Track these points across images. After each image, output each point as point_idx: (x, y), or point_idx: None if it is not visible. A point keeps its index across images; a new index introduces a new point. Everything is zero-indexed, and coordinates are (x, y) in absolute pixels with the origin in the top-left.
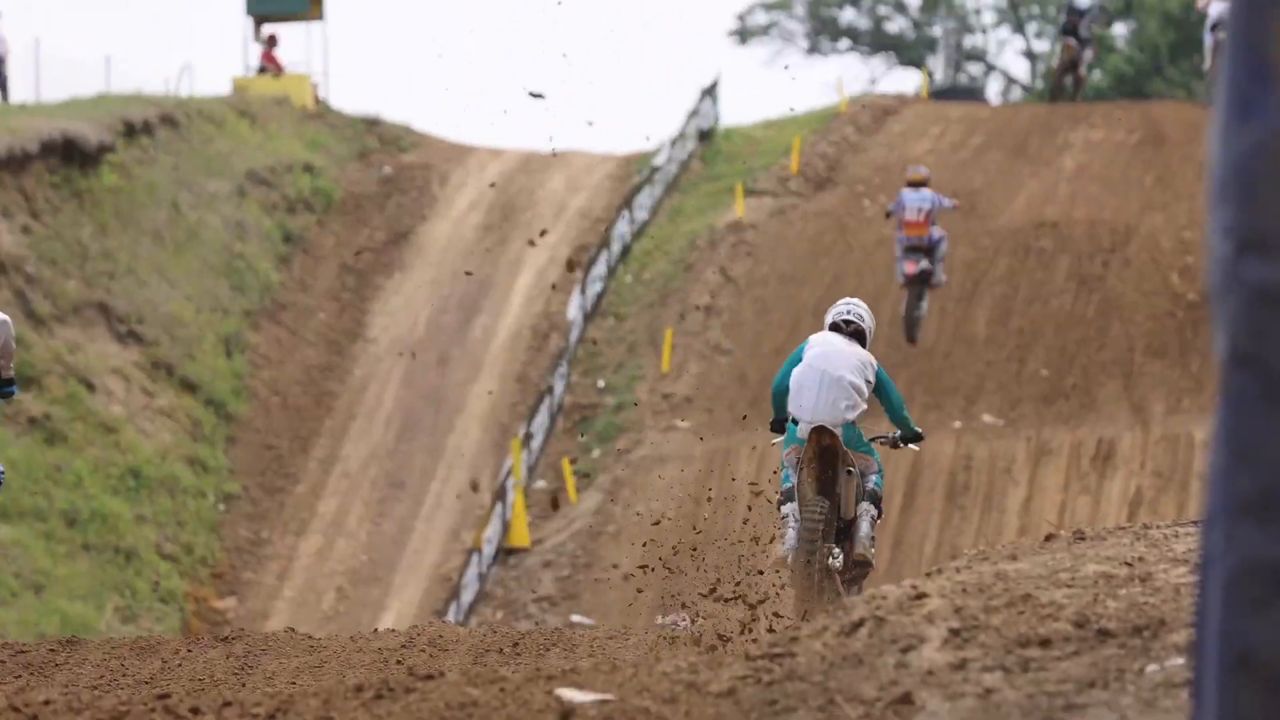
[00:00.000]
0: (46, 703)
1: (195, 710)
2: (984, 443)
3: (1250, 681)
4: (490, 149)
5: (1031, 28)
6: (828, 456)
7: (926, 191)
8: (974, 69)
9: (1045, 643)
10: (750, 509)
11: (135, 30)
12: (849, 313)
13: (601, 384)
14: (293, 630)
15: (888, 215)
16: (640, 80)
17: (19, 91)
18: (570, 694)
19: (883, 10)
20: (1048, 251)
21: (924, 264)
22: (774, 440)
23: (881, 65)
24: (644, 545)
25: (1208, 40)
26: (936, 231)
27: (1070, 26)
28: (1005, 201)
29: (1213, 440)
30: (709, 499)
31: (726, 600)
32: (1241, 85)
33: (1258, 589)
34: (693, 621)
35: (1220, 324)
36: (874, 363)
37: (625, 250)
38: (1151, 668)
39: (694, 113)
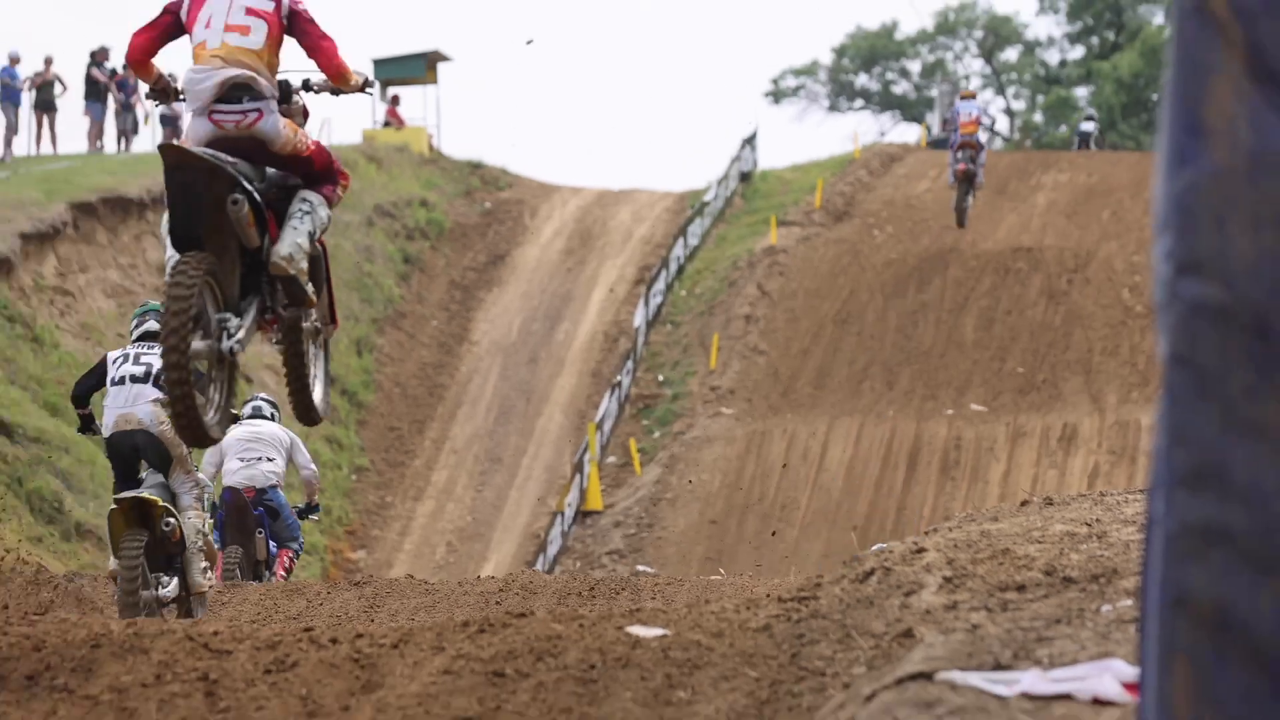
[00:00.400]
0: (215, 634)
1: (334, 640)
2: (971, 426)
3: (1185, 618)
4: (571, 187)
5: (1010, 90)
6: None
7: (975, 103)
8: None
9: (1020, 588)
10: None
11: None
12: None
13: (660, 378)
14: (411, 577)
15: (945, 122)
16: (694, 132)
17: None
18: (637, 629)
19: (890, 76)
20: (1023, 271)
21: (970, 166)
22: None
23: (889, 120)
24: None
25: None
26: (983, 136)
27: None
28: (989, 231)
29: (1156, 425)
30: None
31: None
32: (1179, 137)
33: (1191, 545)
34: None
35: (1162, 331)
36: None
37: (680, 269)
38: (1106, 608)
39: (736, 158)
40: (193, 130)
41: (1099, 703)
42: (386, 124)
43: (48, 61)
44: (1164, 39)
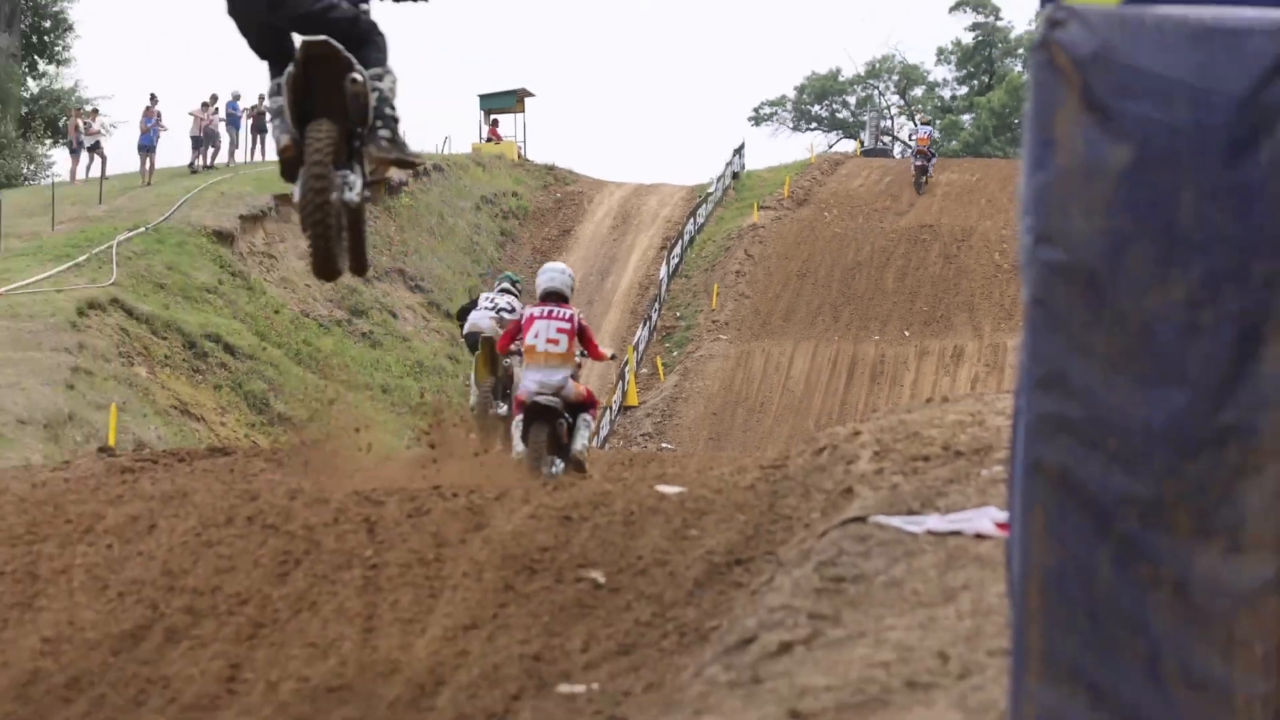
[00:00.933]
0: (374, 490)
1: (454, 494)
2: (892, 348)
3: (1040, 480)
4: (615, 182)
5: (917, 116)
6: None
7: (929, 126)
8: (885, 139)
9: (926, 459)
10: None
11: (421, 115)
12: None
13: (678, 315)
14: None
15: (910, 136)
16: (701, 143)
17: None
18: (663, 487)
19: (835, 106)
20: (927, 241)
21: (924, 164)
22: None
23: (835, 136)
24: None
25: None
26: (933, 150)
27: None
28: (903, 213)
29: (1020, 347)
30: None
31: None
32: (1036, 149)
33: (1044, 429)
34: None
35: (1025, 282)
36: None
37: (691, 240)
38: (984, 472)
39: (730, 162)
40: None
41: (980, 536)
42: (489, 139)
43: (261, 97)
44: (1024, 81)
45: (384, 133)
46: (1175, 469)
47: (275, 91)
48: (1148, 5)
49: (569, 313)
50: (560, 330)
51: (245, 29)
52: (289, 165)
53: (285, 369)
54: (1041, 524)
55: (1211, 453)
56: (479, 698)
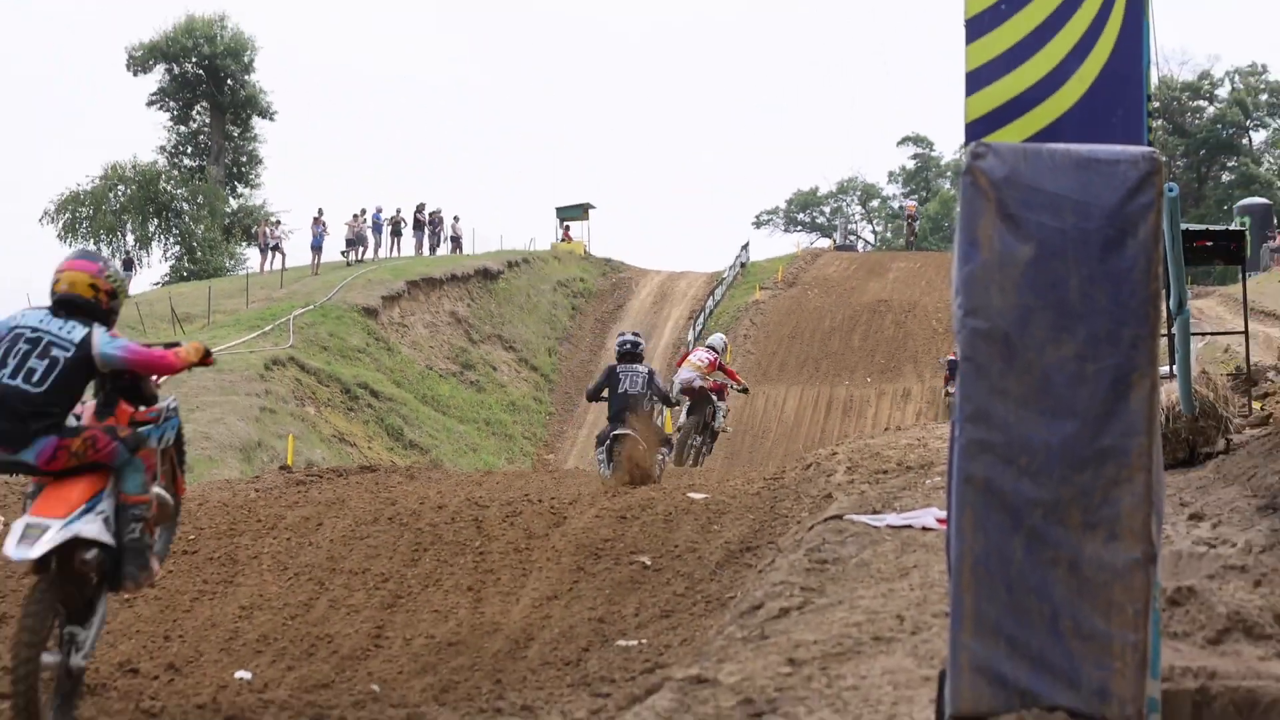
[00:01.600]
0: (479, 497)
1: (540, 500)
2: (858, 390)
3: (970, 488)
4: (655, 270)
5: (875, 221)
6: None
7: (918, 209)
8: (852, 238)
9: (885, 472)
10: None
11: (514, 223)
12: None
13: None
14: (578, 468)
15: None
16: (718, 241)
17: (469, 247)
18: (692, 494)
19: (815, 214)
20: (883, 312)
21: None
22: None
23: (815, 236)
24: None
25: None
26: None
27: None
28: (864, 291)
29: (956, 390)
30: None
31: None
32: (964, 246)
33: (972, 450)
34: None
35: (957, 342)
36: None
37: (710, 312)
38: (928, 482)
39: (738, 255)
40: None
41: (926, 529)
42: (563, 240)
43: (397, 210)
44: (953, 196)
45: None
46: (1068, 479)
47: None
48: (1043, 143)
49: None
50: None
51: None
52: None
53: (415, 408)
54: (971, 520)
55: (1095, 467)
56: (559, 650)
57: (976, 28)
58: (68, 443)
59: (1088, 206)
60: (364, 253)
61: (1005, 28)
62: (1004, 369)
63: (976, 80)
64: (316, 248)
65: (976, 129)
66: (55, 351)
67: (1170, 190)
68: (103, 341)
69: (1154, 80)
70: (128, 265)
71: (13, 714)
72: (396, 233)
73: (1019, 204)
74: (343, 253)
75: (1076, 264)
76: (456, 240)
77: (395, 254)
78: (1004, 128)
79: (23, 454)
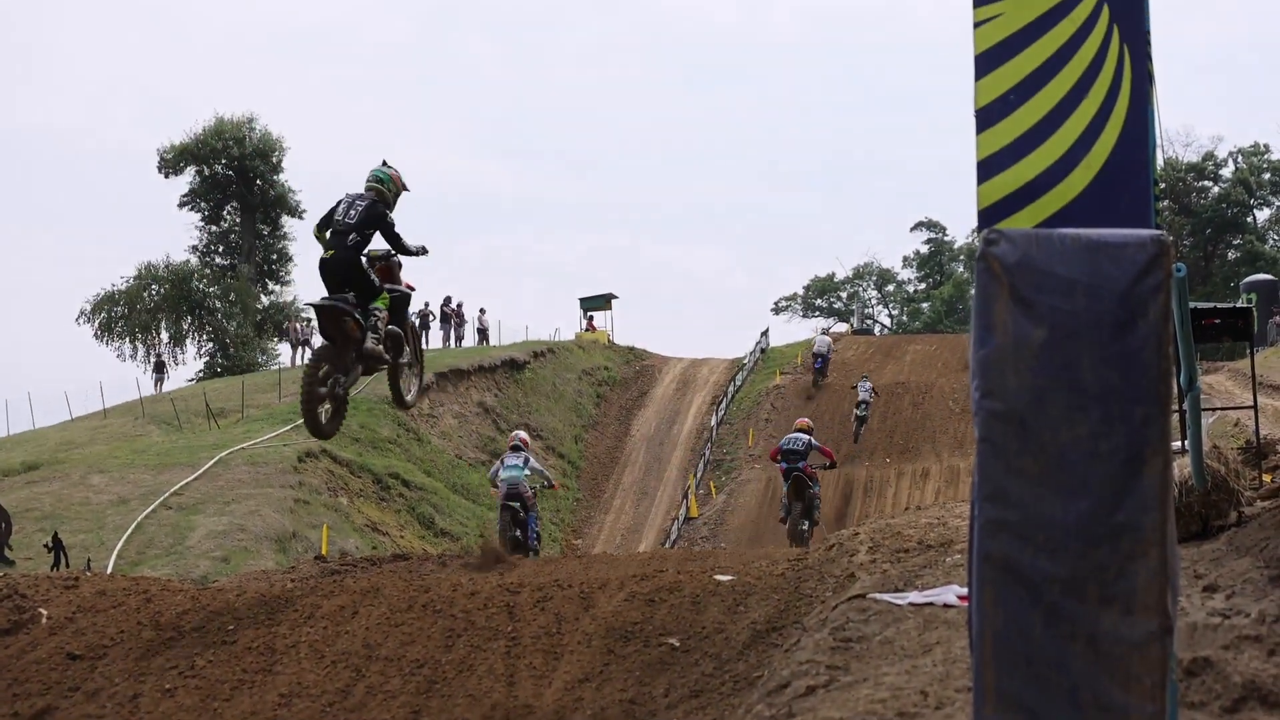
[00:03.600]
0: (513, 582)
1: (570, 585)
2: (879, 470)
3: (989, 565)
4: (677, 357)
5: (891, 305)
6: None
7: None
8: (869, 322)
9: (906, 550)
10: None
11: (538, 314)
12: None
13: (724, 450)
14: (606, 553)
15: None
16: (739, 328)
17: (495, 338)
18: (719, 576)
19: (832, 299)
20: (900, 393)
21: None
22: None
23: (832, 321)
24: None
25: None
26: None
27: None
28: (884, 373)
29: (974, 470)
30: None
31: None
32: (980, 330)
33: (991, 529)
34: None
35: (976, 424)
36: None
37: (732, 396)
38: (949, 559)
39: (758, 341)
40: None
41: (947, 606)
42: (587, 330)
43: (425, 304)
44: (965, 279)
45: None
46: (1085, 555)
47: None
48: (1054, 229)
49: None
50: None
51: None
52: None
53: (445, 496)
54: (991, 597)
55: (1110, 543)
56: None
57: (986, 118)
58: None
59: (1098, 289)
60: None
61: (1014, 118)
62: (1020, 449)
63: (987, 169)
64: None
65: (989, 216)
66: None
67: (1178, 271)
68: None
69: (1160, 162)
70: (159, 368)
71: None
72: (424, 326)
73: (1032, 288)
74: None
75: (1089, 345)
76: (483, 332)
77: (423, 346)
78: (1015, 214)
79: None
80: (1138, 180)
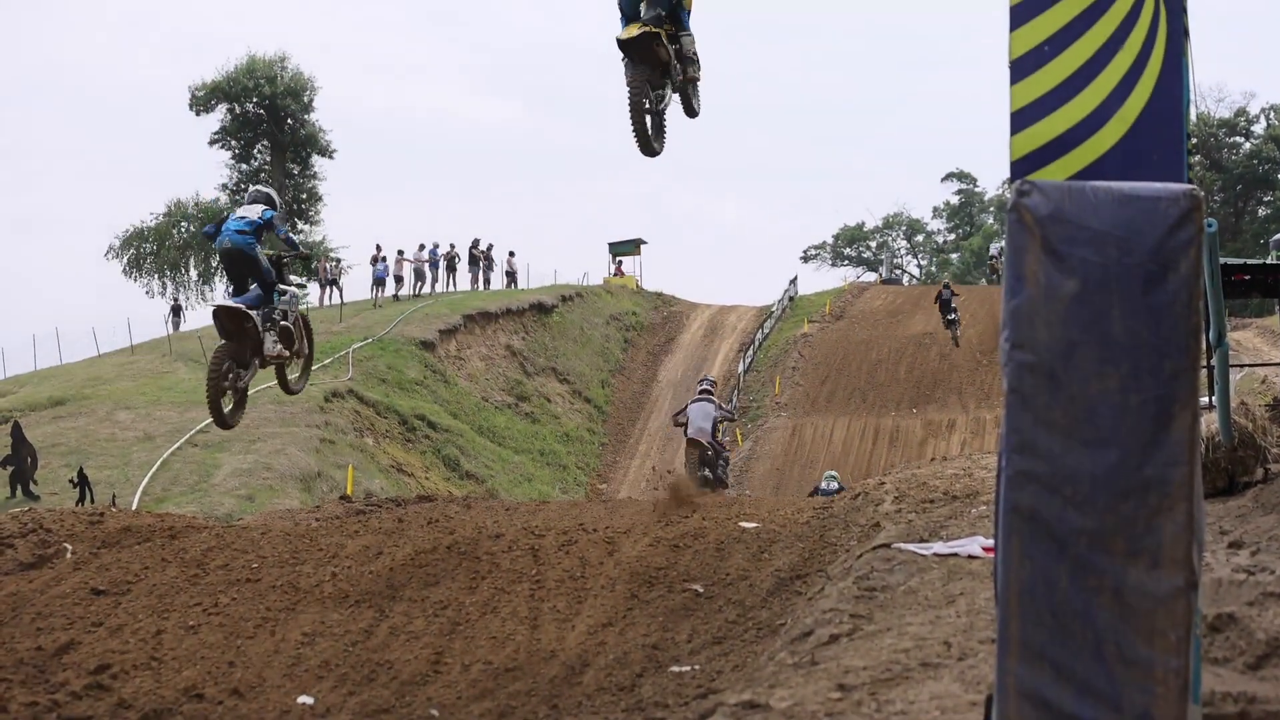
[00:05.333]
0: (536, 525)
1: (595, 529)
2: (904, 421)
3: (1016, 516)
4: (705, 304)
5: (920, 255)
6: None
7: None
8: (897, 272)
9: (931, 501)
10: (809, 450)
11: (566, 257)
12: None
13: (751, 399)
14: (630, 498)
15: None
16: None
17: (523, 281)
18: (744, 523)
19: (861, 249)
20: (927, 344)
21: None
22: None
23: (861, 270)
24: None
25: (993, 249)
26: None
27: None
28: (910, 324)
29: (1001, 422)
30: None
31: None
32: (1011, 281)
33: (1018, 480)
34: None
35: (1004, 375)
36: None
37: (760, 345)
38: (974, 511)
39: (787, 289)
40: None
41: (972, 557)
42: (615, 275)
43: (451, 245)
44: (994, 230)
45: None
46: (1112, 508)
47: None
48: (1086, 181)
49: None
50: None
51: None
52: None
53: (471, 439)
54: (1017, 549)
55: (1138, 496)
56: (614, 675)
57: (1020, 69)
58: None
59: (1130, 242)
60: (421, 287)
61: (1048, 69)
62: (1049, 401)
63: (1021, 120)
64: (380, 281)
65: (1021, 167)
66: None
67: (1209, 226)
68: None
69: (1192, 117)
70: (176, 311)
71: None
72: (451, 267)
73: (1063, 240)
74: (396, 292)
75: (1119, 298)
76: (511, 275)
77: (451, 288)
78: (1048, 166)
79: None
80: (1171, 134)
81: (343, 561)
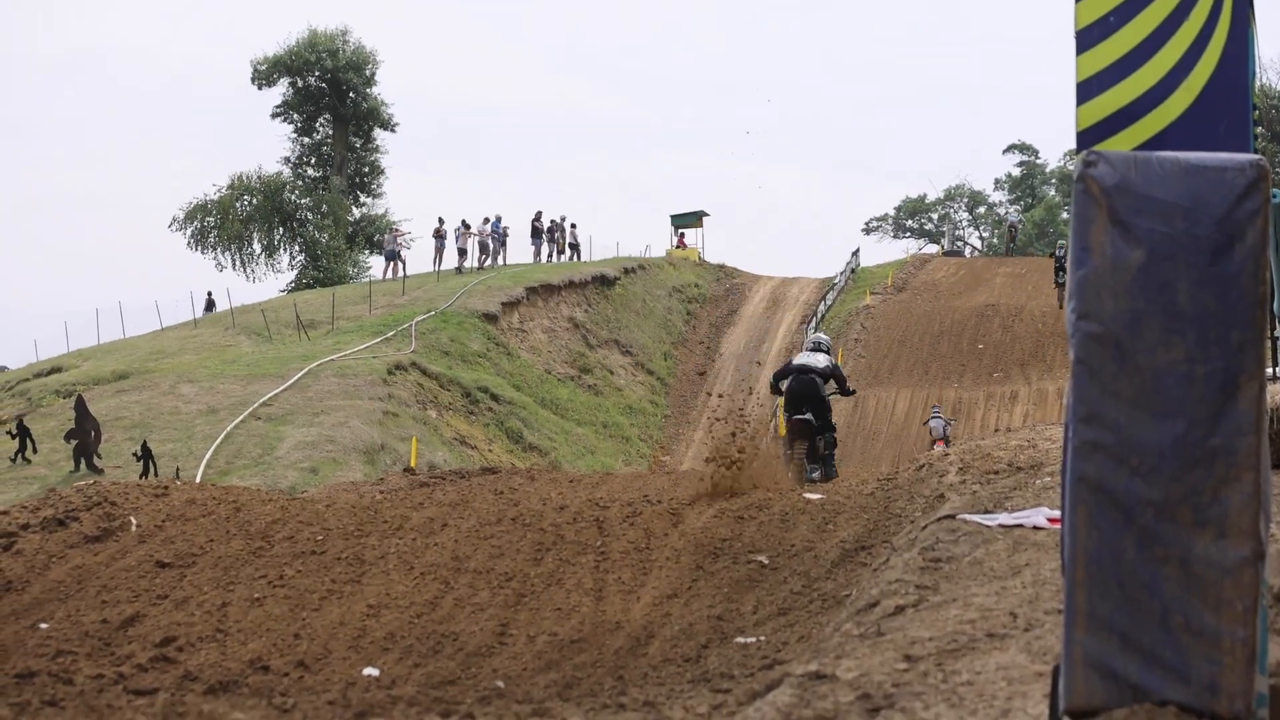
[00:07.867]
0: (601, 497)
1: (659, 500)
2: (966, 392)
3: (1083, 487)
4: (768, 276)
5: (983, 227)
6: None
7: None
8: (959, 244)
9: (996, 473)
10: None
11: (628, 230)
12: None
13: None
14: (694, 469)
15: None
16: (831, 247)
17: (586, 254)
18: (808, 494)
19: (923, 220)
20: (990, 316)
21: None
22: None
23: (923, 242)
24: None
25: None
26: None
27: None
28: (973, 296)
29: (1068, 393)
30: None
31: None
32: (1078, 252)
33: (1085, 451)
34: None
35: (1071, 346)
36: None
37: (822, 316)
38: (1038, 482)
39: (849, 261)
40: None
41: (1037, 528)
42: (678, 247)
43: (503, 221)
44: (1057, 202)
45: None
46: (1179, 478)
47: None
48: (1152, 151)
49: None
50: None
51: None
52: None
53: (534, 411)
54: (1084, 519)
55: (1204, 467)
56: (678, 646)
57: (1086, 39)
58: None
59: (1196, 213)
60: (485, 260)
61: (1114, 40)
62: (1116, 371)
63: (1087, 90)
64: (463, 252)
65: (1087, 138)
66: None
67: (1276, 196)
68: None
69: (1256, 89)
70: (209, 306)
71: None
72: (501, 243)
73: (1129, 210)
74: (459, 265)
75: (1186, 269)
76: (574, 247)
77: (513, 261)
78: (1113, 137)
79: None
80: (1236, 105)
81: (407, 534)
